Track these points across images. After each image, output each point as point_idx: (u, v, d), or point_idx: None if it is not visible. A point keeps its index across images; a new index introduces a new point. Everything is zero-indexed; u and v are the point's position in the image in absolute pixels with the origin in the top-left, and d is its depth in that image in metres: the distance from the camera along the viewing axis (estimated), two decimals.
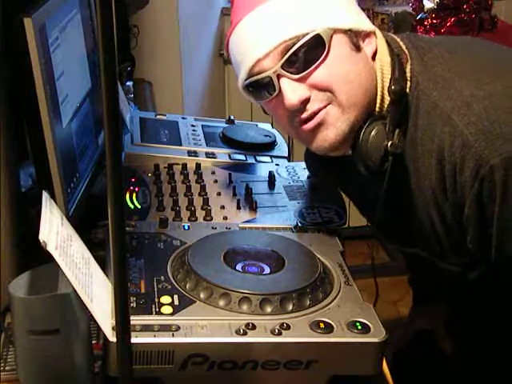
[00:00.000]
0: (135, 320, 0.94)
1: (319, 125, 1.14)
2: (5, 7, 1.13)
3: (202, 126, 1.75)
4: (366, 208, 1.38)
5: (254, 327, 0.96)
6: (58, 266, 0.89)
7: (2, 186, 1.14)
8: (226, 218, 1.31)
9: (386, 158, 1.13)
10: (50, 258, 0.90)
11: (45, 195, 1.04)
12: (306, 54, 1.11)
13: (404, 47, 1.19)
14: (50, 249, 0.89)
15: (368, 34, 1.17)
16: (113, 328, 0.90)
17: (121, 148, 0.65)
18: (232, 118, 1.79)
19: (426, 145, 1.12)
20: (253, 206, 1.35)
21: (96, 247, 1.16)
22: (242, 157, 1.59)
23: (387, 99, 1.16)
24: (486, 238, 1.10)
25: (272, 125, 1.72)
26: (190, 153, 1.57)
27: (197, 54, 2.97)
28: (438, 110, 1.10)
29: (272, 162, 1.59)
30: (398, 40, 1.20)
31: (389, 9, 2.99)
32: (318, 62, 1.11)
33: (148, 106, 2.44)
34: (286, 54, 1.11)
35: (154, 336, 0.93)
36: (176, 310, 0.99)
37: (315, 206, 1.37)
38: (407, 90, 1.15)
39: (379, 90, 1.16)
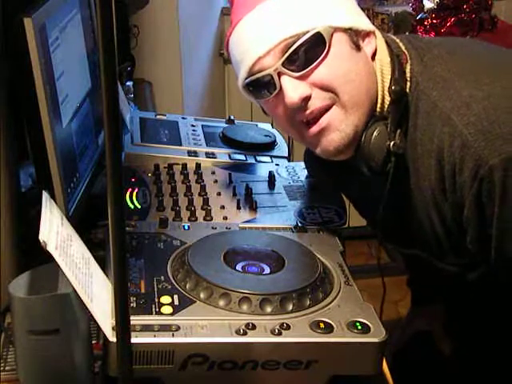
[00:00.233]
0: (135, 320, 0.94)
1: (324, 129, 1.14)
2: (5, 7, 1.13)
3: (202, 126, 1.75)
4: (366, 209, 1.38)
5: (254, 327, 0.96)
6: (58, 266, 0.89)
7: (2, 186, 1.14)
8: (226, 218, 1.31)
9: (388, 159, 1.13)
10: (49, 258, 0.90)
11: (45, 195, 1.04)
12: (307, 52, 1.11)
13: (403, 48, 1.19)
14: (50, 249, 0.89)
15: (368, 34, 1.18)
16: (113, 328, 0.90)
17: (121, 148, 0.65)
18: (232, 117, 1.79)
19: (425, 145, 1.12)
20: (253, 206, 1.35)
21: (96, 247, 1.16)
22: (242, 157, 1.59)
23: (387, 99, 1.16)
24: (485, 239, 1.10)
25: (272, 125, 1.72)
26: (189, 153, 1.57)
27: (197, 54, 2.97)
28: (438, 111, 1.10)
29: (272, 161, 1.59)
30: (398, 41, 1.21)
31: (389, 9, 2.99)
32: (318, 60, 1.11)
33: (148, 105, 2.44)
34: (286, 52, 1.11)
35: (154, 336, 0.93)
36: (176, 309, 0.99)
37: (315, 206, 1.37)
38: (407, 91, 1.15)
39: (379, 90, 1.16)
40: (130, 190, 1.39)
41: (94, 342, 1.04)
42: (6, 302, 1.08)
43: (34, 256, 1.06)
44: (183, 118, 1.80)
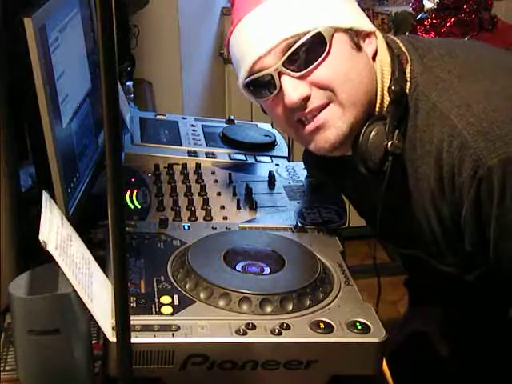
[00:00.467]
0: (135, 320, 0.94)
1: (320, 126, 1.14)
2: (5, 7, 1.13)
3: (202, 125, 1.75)
4: (365, 209, 1.38)
5: (254, 327, 0.96)
6: (58, 266, 0.89)
7: (2, 185, 1.14)
8: (226, 218, 1.31)
9: (385, 158, 1.13)
10: (49, 258, 0.90)
11: (45, 195, 1.04)
12: (308, 52, 1.11)
13: (404, 48, 1.19)
14: (50, 249, 0.89)
15: (368, 34, 1.18)
16: (113, 328, 0.90)
17: (121, 148, 0.65)
18: (232, 117, 1.79)
19: (424, 145, 1.13)
20: (253, 206, 1.35)
21: (96, 247, 1.16)
22: (242, 157, 1.59)
23: (387, 99, 1.16)
24: (483, 239, 1.10)
25: (272, 125, 1.72)
26: (190, 153, 1.57)
27: (197, 54, 2.97)
28: (437, 111, 1.10)
29: (272, 161, 1.59)
30: (398, 41, 1.21)
31: (389, 9, 2.99)
32: (319, 60, 1.11)
33: (148, 105, 2.44)
34: (287, 52, 1.11)
35: (154, 336, 0.93)
36: (176, 310, 0.99)
37: (315, 206, 1.37)
38: (407, 91, 1.15)
39: (379, 90, 1.16)
40: (130, 190, 1.39)
41: (94, 341, 1.04)
42: (5, 302, 1.08)
43: (34, 256, 1.06)
44: (183, 117, 1.80)
